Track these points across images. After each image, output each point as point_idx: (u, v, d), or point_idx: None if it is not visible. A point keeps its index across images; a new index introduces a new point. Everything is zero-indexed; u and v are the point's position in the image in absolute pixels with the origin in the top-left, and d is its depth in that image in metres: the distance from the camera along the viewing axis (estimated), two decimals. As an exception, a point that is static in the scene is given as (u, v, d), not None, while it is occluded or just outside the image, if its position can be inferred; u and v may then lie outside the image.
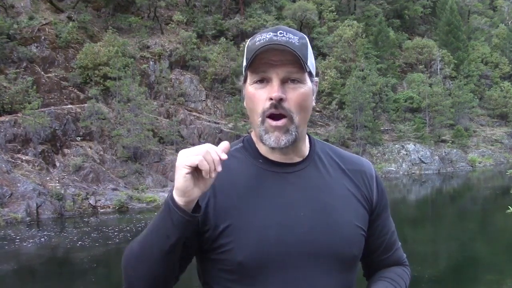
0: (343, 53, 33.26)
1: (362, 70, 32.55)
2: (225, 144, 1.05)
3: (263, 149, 1.23)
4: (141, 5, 29.88)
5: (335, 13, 36.95)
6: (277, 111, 1.13)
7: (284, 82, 1.14)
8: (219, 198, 1.16)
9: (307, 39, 1.19)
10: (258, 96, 1.15)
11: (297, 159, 1.23)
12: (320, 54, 34.40)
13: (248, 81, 1.18)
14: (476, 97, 37.73)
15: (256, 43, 1.13)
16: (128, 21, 28.93)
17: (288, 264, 1.14)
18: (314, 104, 1.23)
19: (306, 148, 1.26)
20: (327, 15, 36.41)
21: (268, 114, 1.14)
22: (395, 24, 41.88)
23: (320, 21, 36.31)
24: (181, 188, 1.02)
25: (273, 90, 1.13)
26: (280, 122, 1.14)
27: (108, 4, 29.09)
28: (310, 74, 1.19)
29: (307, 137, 1.28)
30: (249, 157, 1.23)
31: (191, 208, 1.05)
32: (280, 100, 1.13)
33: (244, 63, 1.18)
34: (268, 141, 1.15)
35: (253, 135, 1.27)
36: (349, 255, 1.19)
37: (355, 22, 35.01)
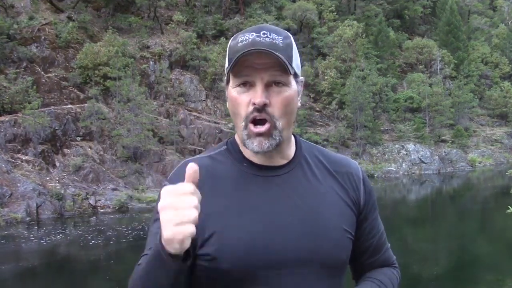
0: (343, 53, 33.24)
1: (362, 70, 32.55)
2: (193, 168, 0.95)
3: (247, 152, 1.19)
4: (141, 5, 29.88)
5: (335, 13, 36.92)
6: (260, 116, 1.10)
7: (268, 85, 1.10)
8: (204, 204, 1.09)
9: (291, 37, 1.15)
10: (241, 100, 1.11)
11: (282, 161, 1.20)
12: (320, 54, 34.40)
13: (231, 84, 1.14)
14: (476, 97, 37.72)
15: (239, 44, 1.09)
16: (128, 21, 28.93)
17: (277, 273, 1.10)
18: (299, 104, 1.19)
19: (291, 150, 1.23)
20: (327, 15, 36.38)
21: (251, 119, 1.11)
22: (395, 24, 41.87)
23: (320, 21, 36.29)
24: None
25: (257, 95, 1.09)
26: (263, 128, 1.11)
27: (108, 4, 29.09)
28: (295, 74, 1.15)
29: (293, 138, 1.24)
30: (234, 160, 1.19)
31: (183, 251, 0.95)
32: (264, 105, 1.09)
33: (226, 65, 1.13)
34: (251, 145, 1.12)
35: (237, 137, 1.23)
36: (338, 261, 1.16)
37: (355, 22, 34.99)
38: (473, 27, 46.95)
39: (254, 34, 1.10)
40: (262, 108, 1.09)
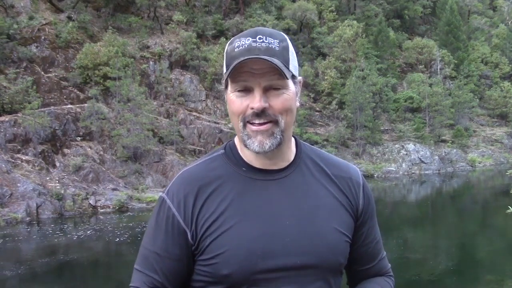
0: (343, 53, 33.24)
1: (362, 70, 32.54)
2: None
3: (246, 155, 1.19)
4: (141, 5, 29.86)
5: (335, 13, 36.92)
6: (260, 120, 1.11)
7: (266, 90, 1.10)
8: (204, 210, 1.13)
9: (287, 39, 1.15)
10: (240, 103, 1.12)
11: (282, 164, 1.20)
12: (320, 54, 34.39)
13: (230, 89, 1.14)
14: (476, 97, 37.71)
15: (235, 50, 1.10)
16: (128, 21, 28.92)
17: (275, 276, 1.11)
18: (298, 104, 1.20)
19: (291, 152, 1.23)
20: (327, 15, 36.39)
21: (248, 120, 1.11)
22: (395, 24, 41.86)
23: (320, 21, 36.29)
24: None
25: (255, 100, 1.09)
26: (263, 127, 1.11)
27: (108, 4, 29.08)
28: (293, 76, 1.15)
29: (293, 140, 1.25)
30: (232, 165, 1.19)
31: None
32: (263, 109, 1.10)
33: (224, 70, 1.14)
34: (252, 146, 1.12)
35: (236, 140, 1.23)
36: (335, 263, 1.18)
37: (355, 22, 34.99)
38: (473, 27, 46.94)
39: (250, 39, 1.10)
40: (261, 112, 1.10)
